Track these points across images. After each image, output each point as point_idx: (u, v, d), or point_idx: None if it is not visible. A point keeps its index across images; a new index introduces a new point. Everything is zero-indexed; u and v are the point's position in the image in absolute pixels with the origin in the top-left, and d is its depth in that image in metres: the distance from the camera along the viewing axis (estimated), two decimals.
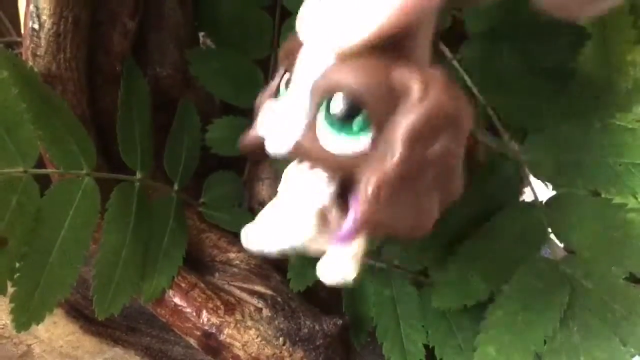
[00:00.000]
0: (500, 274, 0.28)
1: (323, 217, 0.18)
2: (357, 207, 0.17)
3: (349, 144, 0.16)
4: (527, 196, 0.30)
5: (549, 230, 0.29)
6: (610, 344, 0.26)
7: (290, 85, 0.17)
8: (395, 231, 0.17)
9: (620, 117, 0.28)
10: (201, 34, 0.36)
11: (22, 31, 0.26)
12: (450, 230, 0.30)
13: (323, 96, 0.16)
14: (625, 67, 0.27)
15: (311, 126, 0.16)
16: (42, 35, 0.26)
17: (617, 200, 0.28)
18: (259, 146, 0.19)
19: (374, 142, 0.16)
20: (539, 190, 0.30)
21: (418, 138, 0.15)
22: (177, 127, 0.32)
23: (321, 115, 0.16)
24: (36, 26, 0.26)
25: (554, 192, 0.30)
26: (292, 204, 0.19)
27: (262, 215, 0.20)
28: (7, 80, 0.24)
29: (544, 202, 0.29)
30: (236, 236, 0.34)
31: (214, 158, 0.34)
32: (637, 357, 0.26)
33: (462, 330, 0.31)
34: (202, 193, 0.34)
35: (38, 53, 0.26)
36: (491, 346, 0.26)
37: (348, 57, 0.16)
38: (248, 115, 0.35)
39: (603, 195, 0.28)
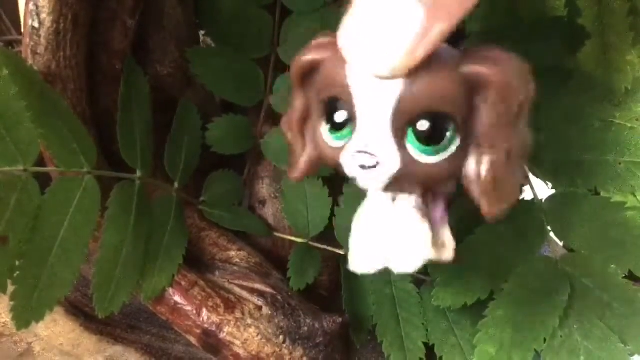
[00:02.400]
0: (500, 272, 0.28)
1: (427, 218, 0.19)
2: (442, 197, 0.18)
3: (443, 155, 0.16)
4: (527, 195, 0.30)
5: (549, 228, 0.29)
6: (610, 342, 0.26)
7: (359, 117, 0.16)
8: (508, 209, 0.17)
9: (620, 116, 0.28)
10: (201, 32, 0.36)
11: (22, 29, 0.26)
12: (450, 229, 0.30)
13: (408, 125, 0.16)
14: (624, 66, 0.27)
15: (403, 155, 0.16)
16: (42, 33, 0.26)
17: (617, 198, 0.28)
18: (315, 170, 0.19)
19: (464, 140, 0.16)
20: (538, 189, 0.30)
21: (508, 123, 0.16)
22: (178, 126, 0.32)
23: (409, 141, 0.16)
24: (36, 24, 0.26)
25: (554, 191, 0.30)
26: (395, 222, 0.19)
27: (362, 239, 0.19)
28: (7, 79, 0.24)
29: (543, 201, 0.29)
30: (236, 234, 0.34)
31: (214, 157, 0.34)
32: (636, 356, 0.26)
33: (461, 329, 0.31)
34: (203, 192, 0.34)
35: (38, 51, 0.26)
36: (491, 345, 0.26)
37: (414, 73, 0.15)
38: (248, 113, 0.35)
39: (602, 194, 0.28)
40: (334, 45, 0.16)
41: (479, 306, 0.28)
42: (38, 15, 0.26)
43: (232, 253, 0.33)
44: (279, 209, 0.35)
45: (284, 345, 0.30)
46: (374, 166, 0.16)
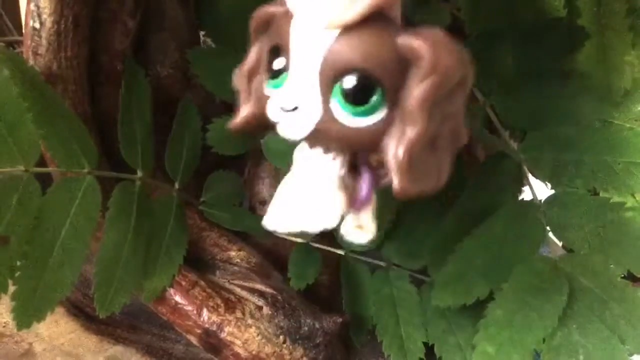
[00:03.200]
0: (499, 272, 0.28)
1: (346, 189, 0.19)
2: (368, 174, 0.18)
3: (367, 120, 0.16)
4: (526, 195, 0.30)
5: (548, 228, 0.29)
6: (609, 342, 0.26)
7: (292, 67, 0.17)
8: (422, 193, 0.17)
9: (619, 117, 0.28)
10: (202, 33, 0.36)
11: (23, 30, 0.26)
12: (450, 228, 0.30)
13: (335, 78, 0.16)
14: (623, 67, 0.27)
15: (326, 108, 0.16)
16: (43, 34, 0.26)
17: (616, 199, 0.28)
18: (252, 125, 0.19)
19: (391, 111, 0.16)
20: (538, 189, 0.30)
21: (435, 103, 0.16)
22: (178, 127, 0.33)
23: (335, 97, 0.16)
24: (37, 25, 0.26)
25: (553, 191, 0.30)
26: (313, 184, 0.19)
27: (282, 199, 0.20)
28: (9, 80, 0.24)
29: (542, 201, 0.29)
30: (237, 235, 0.34)
31: (214, 157, 0.34)
32: (635, 356, 0.26)
33: (461, 329, 0.31)
34: (203, 192, 0.34)
35: (39, 52, 0.26)
36: (490, 344, 0.26)
37: (349, 30, 0.15)
38: None
39: (601, 194, 0.28)
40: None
41: (479, 306, 0.28)
42: (39, 16, 0.26)
43: (233, 253, 0.33)
44: None
45: (284, 345, 0.30)
46: (293, 110, 0.16)
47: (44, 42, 0.26)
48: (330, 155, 0.18)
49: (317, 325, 0.31)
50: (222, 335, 0.30)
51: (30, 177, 0.25)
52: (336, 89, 0.16)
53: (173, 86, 0.33)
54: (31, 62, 0.26)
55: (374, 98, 0.16)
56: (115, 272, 0.27)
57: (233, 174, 0.35)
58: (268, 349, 0.30)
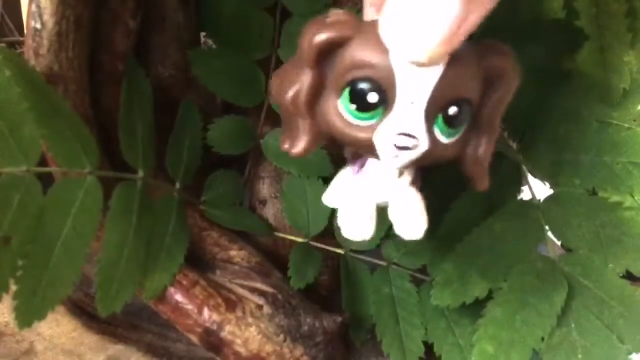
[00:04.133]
0: (499, 271, 0.28)
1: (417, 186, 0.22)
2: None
3: (456, 137, 0.18)
4: (525, 195, 0.30)
5: (547, 228, 0.29)
6: (608, 341, 0.26)
7: (398, 104, 0.17)
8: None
9: (617, 117, 0.28)
10: (202, 34, 0.36)
11: (25, 31, 0.27)
12: (449, 228, 0.30)
13: (442, 110, 0.17)
14: (622, 67, 0.27)
15: (431, 138, 0.17)
16: (44, 34, 0.26)
17: (614, 199, 0.28)
18: (317, 146, 0.20)
19: (469, 125, 0.18)
20: (537, 188, 0.30)
21: (503, 111, 0.19)
22: (179, 127, 0.33)
23: (437, 124, 0.17)
24: (38, 25, 0.26)
25: (552, 191, 0.30)
26: (387, 193, 0.21)
27: (355, 208, 0.22)
28: (10, 80, 0.24)
29: (541, 201, 0.30)
30: (237, 234, 0.34)
31: (215, 157, 0.34)
32: (634, 354, 0.26)
33: (460, 328, 0.31)
34: (204, 191, 0.35)
35: (40, 52, 0.26)
36: (489, 343, 0.27)
37: (451, 62, 0.16)
38: (249, 114, 0.35)
39: (600, 194, 0.28)
40: (356, 25, 0.17)
41: (478, 305, 0.28)
42: (40, 16, 0.26)
43: (233, 252, 0.33)
44: (280, 208, 0.35)
45: (285, 344, 0.30)
46: (413, 147, 0.17)
47: (45, 42, 0.26)
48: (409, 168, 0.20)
49: (317, 324, 0.31)
50: (223, 334, 0.30)
51: (31, 177, 0.25)
52: (439, 117, 0.17)
53: (174, 86, 0.33)
54: (32, 62, 0.26)
55: (464, 117, 0.18)
56: (116, 271, 0.27)
57: (234, 174, 0.36)
58: (268, 348, 0.30)
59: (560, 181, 0.29)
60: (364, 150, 0.19)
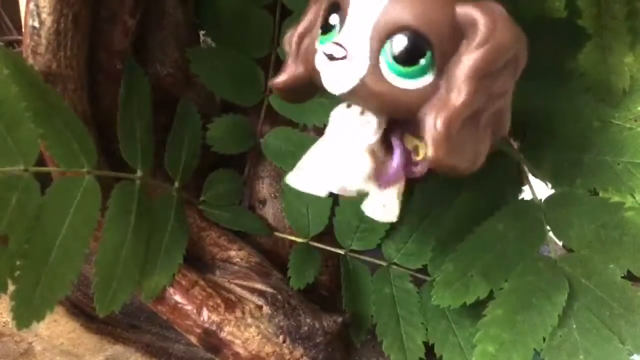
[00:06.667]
0: (500, 272, 0.28)
1: (374, 157, 0.19)
2: (400, 154, 0.18)
3: (412, 83, 0.16)
4: (526, 195, 0.30)
5: (548, 228, 0.29)
6: (609, 342, 0.26)
7: (346, 24, 0.17)
8: (455, 168, 0.17)
9: (618, 117, 0.28)
10: (201, 32, 0.36)
11: (23, 29, 0.26)
12: (450, 228, 0.30)
13: (387, 35, 0.16)
14: (622, 68, 0.27)
15: (374, 63, 0.16)
16: (43, 33, 0.26)
17: (615, 199, 0.28)
18: (295, 84, 0.19)
19: (437, 78, 0.16)
20: (538, 188, 0.30)
21: (484, 75, 0.16)
22: (178, 126, 0.32)
23: (384, 54, 0.16)
24: (36, 24, 0.26)
25: (553, 191, 0.30)
26: (343, 146, 0.19)
27: (309, 157, 0.20)
28: (8, 79, 0.24)
29: (543, 201, 0.29)
30: (236, 234, 0.34)
31: (214, 156, 0.34)
32: (635, 355, 0.26)
33: (461, 328, 0.31)
34: (203, 191, 0.34)
35: (38, 51, 0.26)
36: (490, 344, 0.26)
37: None
38: (248, 113, 0.35)
39: (601, 194, 0.28)
40: None
41: (479, 305, 0.28)
42: (38, 15, 0.26)
43: (233, 252, 0.33)
44: (279, 208, 0.35)
45: (284, 345, 0.30)
46: (342, 58, 0.16)
47: (43, 41, 0.26)
48: (366, 117, 0.18)
49: (317, 325, 0.31)
50: (222, 334, 0.30)
51: (29, 176, 0.25)
52: (386, 46, 0.16)
53: (173, 85, 0.33)
54: (30, 61, 0.26)
55: (422, 61, 0.16)
56: (115, 271, 0.27)
57: (233, 173, 0.35)
58: (268, 349, 0.30)
59: (561, 181, 0.29)
60: (317, 75, 0.18)
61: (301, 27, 0.19)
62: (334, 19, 0.17)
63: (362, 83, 0.16)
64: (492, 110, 0.17)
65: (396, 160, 0.19)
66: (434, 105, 0.16)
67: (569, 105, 0.28)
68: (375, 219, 0.20)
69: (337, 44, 0.16)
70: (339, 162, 0.19)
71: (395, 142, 0.19)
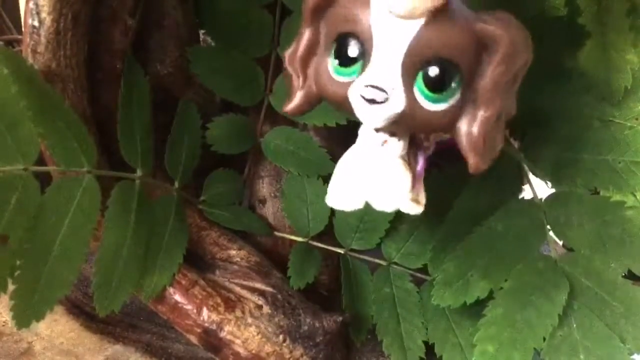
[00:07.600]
0: (500, 271, 0.28)
1: (408, 166, 0.20)
2: (421, 149, 0.20)
3: (444, 105, 0.17)
4: (526, 194, 0.30)
5: (548, 227, 0.29)
6: (610, 341, 0.26)
7: (374, 59, 0.17)
8: (487, 165, 0.18)
9: (619, 116, 0.28)
10: (201, 32, 0.35)
11: (22, 28, 0.26)
12: (450, 227, 0.30)
13: (420, 68, 0.16)
14: (624, 66, 0.27)
15: (409, 97, 0.17)
16: (42, 32, 0.26)
17: (616, 198, 0.28)
18: (307, 109, 0.20)
19: (463, 92, 0.17)
20: (538, 188, 0.30)
21: (507, 84, 0.17)
22: (178, 125, 0.32)
23: (417, 85, 0.17)
24: (36, 23, 0.26)
25: (554, 190, 0.30)
26: (375, 160, 0.20)
27: (344, 176, 0.21)
28: (8, 78, 0.24)
29: (543, 200, 0.29)
30: (236, 234, 0.34)
31: (214, 156, 0.34)
32: (635, 355, 0.26)
33: (461, 328, 0.31)
34: (203, 191, 0.34)
35: (38, 50, 0.26)
36: (490, 343, 0.26)
37: (433, 19, 0.16)
38: (248, 113, 0.35)
39: (602, 193, 0.28)
40: None
41: (479, 305, 0.28)
42: (38, 14, 0.26)
43: (233, 252, 0.33)
44: (279, 208, 0.35)
45: (284, 344, 0.30)
46: (383, 102, 0.17)
47: (43, 40, 0.26)
48: (396, 137, 0.19)
49: (317, 324, 0.31)
50: (222, 334, 0.29)
51: (29, 175, 0.25)
52: (419, 78, 0.17)
53: (173, 85, 0.33)
54: (30, 60, 0.26)
55: (453, 84, 0.17)
56: (115, 271, 0.27)
57: (233, 173, 0.35)
58: (268, 348, 0.30)
59: (561, 180, 0.29)
60: (342, 108, 0.19)
61: (302, 49, 0.19)
62: (353, 51, 0.17)
63: (400, 115, 0.17)
64: (507, 110, 0.18)
65: (422, 158, 0.20)
66: (466, 118, 0.18)
67: (569, 104, 0.28)
68: (412, 213, 0.20)
69: (376, 87, 0.17)
70: (382, 181, 0.20)
71: (412, 143, 0.20)
